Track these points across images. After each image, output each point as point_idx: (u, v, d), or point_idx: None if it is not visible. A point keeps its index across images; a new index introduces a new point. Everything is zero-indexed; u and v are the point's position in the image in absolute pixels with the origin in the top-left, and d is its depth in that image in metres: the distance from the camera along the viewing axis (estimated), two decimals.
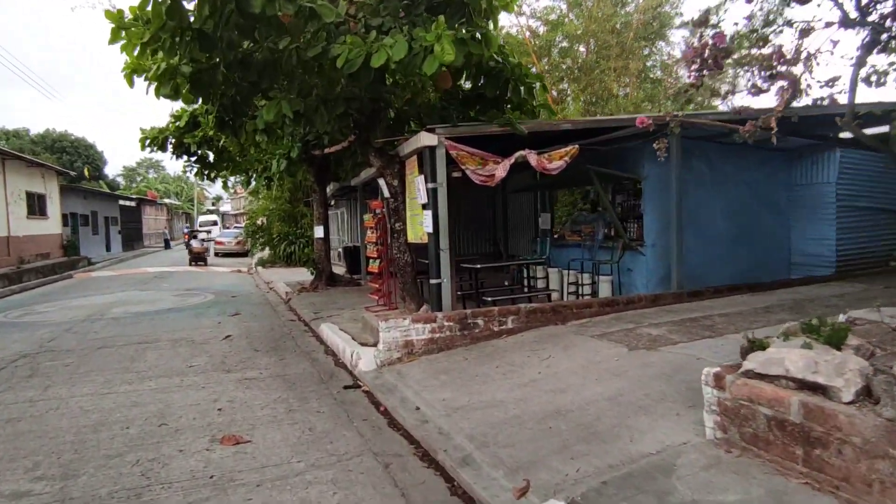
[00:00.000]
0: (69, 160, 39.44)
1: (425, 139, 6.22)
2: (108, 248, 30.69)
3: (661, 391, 4.20)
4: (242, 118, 6.89)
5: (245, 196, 28.66)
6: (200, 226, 47.53)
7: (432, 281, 6.48)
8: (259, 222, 23.46)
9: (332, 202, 17.34)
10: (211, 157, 12.15)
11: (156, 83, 5.98)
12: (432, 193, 6.33)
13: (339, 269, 15.61)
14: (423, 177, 6.31)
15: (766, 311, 6.54)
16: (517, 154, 6.59)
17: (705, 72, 4.81)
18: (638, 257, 8.41)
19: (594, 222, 9.75)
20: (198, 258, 23.79)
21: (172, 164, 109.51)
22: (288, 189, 21.98)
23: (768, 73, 4.81)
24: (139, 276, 19.04)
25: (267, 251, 23.01)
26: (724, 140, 8.49)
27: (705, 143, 8.48)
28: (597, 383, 4.56)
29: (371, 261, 9.76)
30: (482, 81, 7.01)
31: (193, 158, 11.95)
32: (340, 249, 19.35)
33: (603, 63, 19.84)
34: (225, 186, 13.19)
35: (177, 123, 10.66)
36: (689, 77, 4.93)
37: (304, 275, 16.35)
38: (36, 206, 21.27)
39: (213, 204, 73.33)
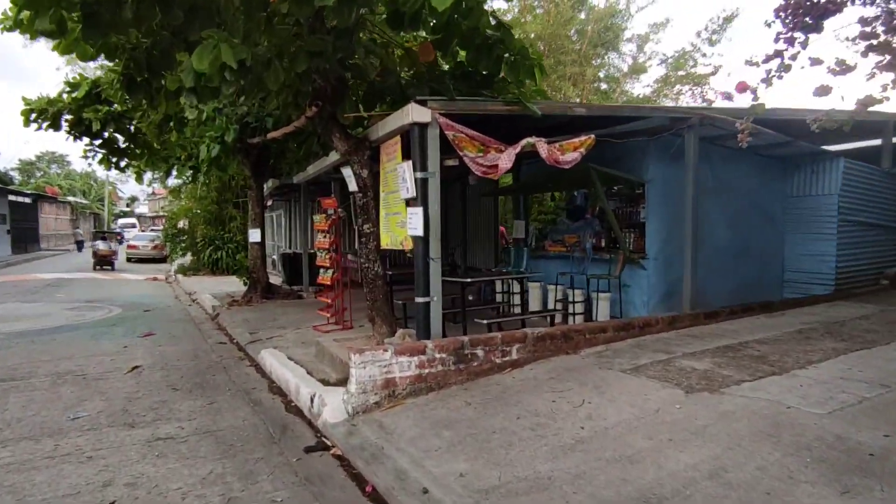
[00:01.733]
0: None
1: (416, 114, 4.77)
2: None
3: (780, 463, 2.99)
4: (160, 76, 5.10)
5: (165, 196, 25.50)
6: (121, 228, 42.71)
7: (418, 299, 5.00)
8: (180, 225, 20.73)
9: (269, 203, 15.29)
10: (121, 141, 9.93)
11: (28, 11, 4.12)
12: (421, 185, 4.89)
13: (275, 278, 13.62)
14: (409, 163, 4.84)
15: (804, 339, 5.63)
16: (524, 141, 5.30)
17: (798, 33, 3.79)
18: (637, 272, 7.38)
19: (579, 231, 8.67)
20: (104, 262, 21.00)
21: (82, 160, 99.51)
22: (215, 188, 19.54)
23: (867, 44, 3.85)
24: (28, 283, 15.90)
25: (189, 257, 20.32)
26: (727, 144, 7.71)
27: (709, 144, 7.64)
28: (675, 448, 3.29)
29: (322, 271, 8.11)
30: (472, 56, 5.68)
31: (98, 142, 9.67)
32: (276, 257, 17.24)
33: (561, 69, 19.30)
34: (139, 178, 10.92)
35: (73, 94, 8.45)
36: (779, 40, 3.89)
37: (233, 284, 14.18)
38: None
39: (128, 205, 66.84)
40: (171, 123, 9.38)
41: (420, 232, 4.82)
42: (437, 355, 4.76)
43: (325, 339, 6.21)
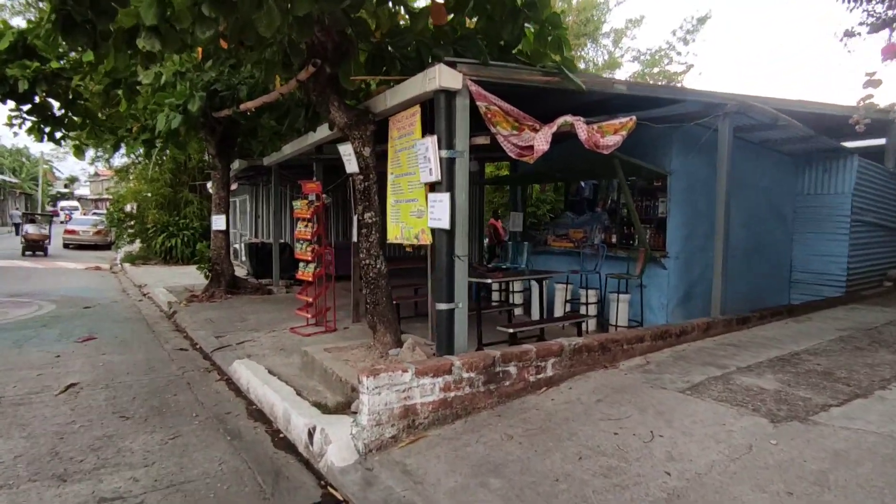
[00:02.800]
0: None
1: (445, 78, 3.85)
2: None
3: None
4: (110, 15, 3.94)
5: (111, 177, 23.27)
6: (69, 210, 39.27)
7: (440, 306, 4.11)
8: (128, 209, 18.83)
9: (234, 187, 13.88)
10: (56, 107, 8.45)
11: None
12: (447, 167, 3.99)
13: (239, 270, 12.34)
14: (434, 139, 3.93)
15: (855, 349, 5.12)
16: (560, 120, 4.48)
17: None
18: (656, 271, 6.76)
19: (586, 226, 7.99)
20: (35, 247, 18.84)
21: (10, 135, 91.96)
22: (169, 169, 17.86)
23: None
24: None
25: (138, 245, 18.51)
26: (746, 136, 7.18)
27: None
28: None
29: (303, 265, 7.09)
30: (492, 22, 4.81)
31: (26, 107, 8.17)
32: (239, 246, 15.84)
33: None
34: (78, 153, 9.36)
35: None
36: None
37: (191, 276, 12.80)
38: None
39: (66, 186, 61.97)
40: (121, 89, 8.06)
41: (446, 224, 3.92)
42: (465, 375, 3.90)
43: (314, 347, 5.23)
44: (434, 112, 4.03)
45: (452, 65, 3.91)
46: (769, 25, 55.65)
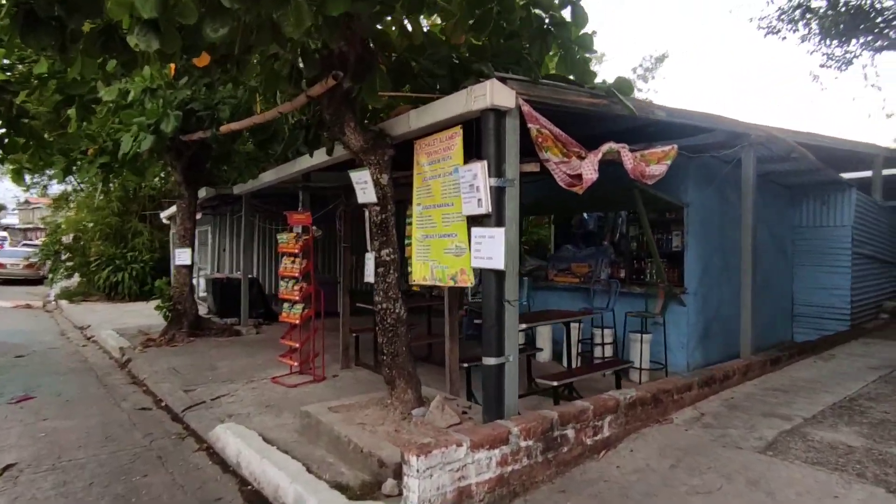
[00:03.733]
0: None
1: (498, 95, 3.31)
2: None
3: None
4: (81, 13, 3.18)
5: (48, 205, 21.29)
6: None
7: (488, 360, 3.45)
8: (65, 240, 17.07)
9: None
10: None
11: None
12: (496, 196, 3.41)
13: (200, 308, 11.15)
14: (484, 165, 3.35)
15: None
16: (606, 147, 4.03)
17: None
18: (675, 308, 6.38)
19: (590, 260, 7.57)
20: None
21: None
22: (117, 197, 16.38)
23: None
24: None
25: (76, 279, 16.74)
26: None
27: (735, 168, 6.92)
28: None
29: (288, 306, 6.27)
30: (513, 38, 4.38)
31: None
32: (197, 281, 14.52)
33: None
34: (17, 178, 8.15)
35: None
36: None
37: (141, 315, 11.49)
38: None
39: None
40: (74, 107, 7.09)
41: (499, 263, 3.31)
42: (523, 443, 3.25)
43: (316, 408, 4.40)
44: (480, 134, 3.46)
45: (503, 81, 3.38)
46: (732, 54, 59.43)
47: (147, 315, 11.62)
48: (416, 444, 2.92)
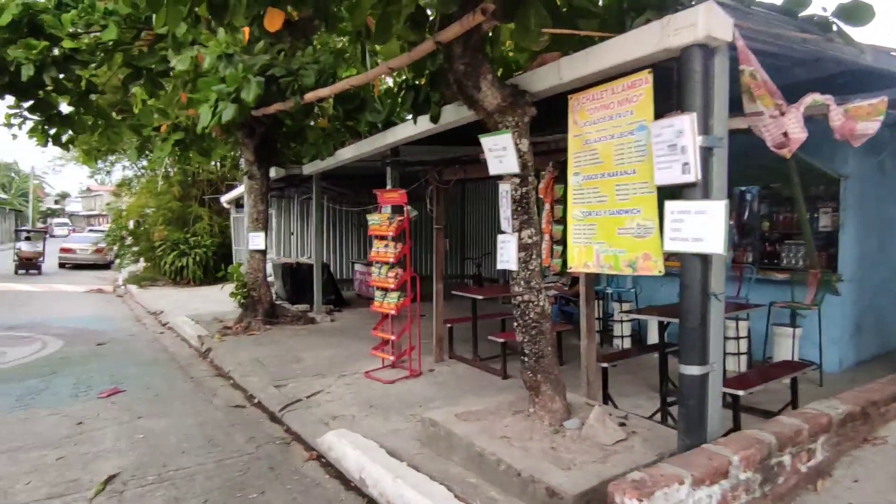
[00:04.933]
0: None
1: (712, 24, 2.53)
2: None
3: None
4: None
5: (111, 192, 21.71)
6: (56, 227, 37.92)
7: (689, 370, 2.72)
8: (131, 225, 17.24)
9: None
10: (65, 103, 7.05)
11: None
12: (704, 157, 2.63)
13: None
14: (692, 119, 2.57)
15: None
16: (809, 99, 3.14)
17: None
18: (827, 298, 5.43)
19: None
20: (29, 266, 17.84)
21: (11, 137, 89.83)
22: (178, 181, 16.38)
23: None
24: None
25: (142, 264, 16.95)
26: None
27: None
28: None
29: (380, 294, 5.70)
30: None
31: (28, 104, 6.74)
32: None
33: None
34: (88, 159, 7.88)
35: None
36: None
37: (210, 300, 11.32)
38: None
39: (57, 202, 59.96)
40: (142, 81, 6.69)
41: (713, 246, 2.54)
42: (742, 475, 2.52)
43: (441, 414, 3.80)
44: (681, 80, 2.68)
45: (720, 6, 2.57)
46: None
47: (216, 300, 11.44)
48: (629, 481, 2.24)
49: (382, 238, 5.69)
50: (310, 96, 5.20)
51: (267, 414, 4.78)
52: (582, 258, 3.29)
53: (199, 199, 16.66)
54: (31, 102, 6.67)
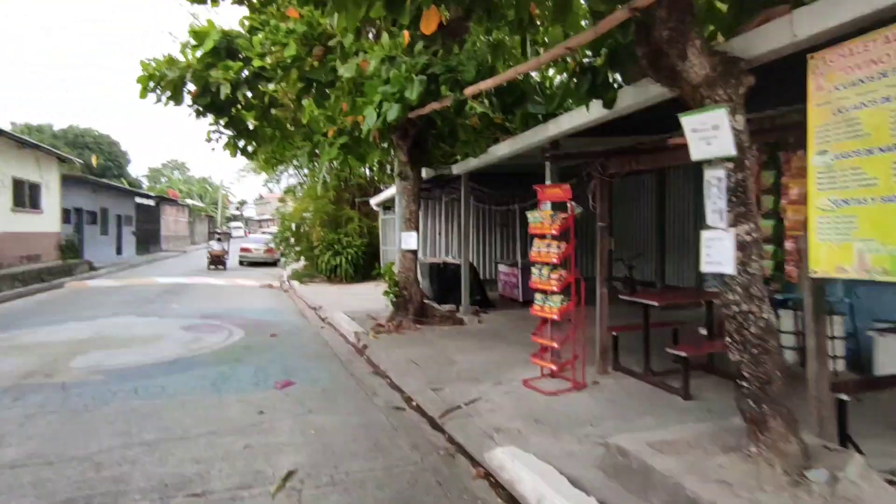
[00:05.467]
0: (88, 157, 35.90)
1: None
2: (118, 252, 26.76)
3: None
4: None
5: (279, 199, 24.46)
6: (233, 230, 44.72)
7: None
8: (293, 227, 19.11)
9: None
10: (251, 118, 7.79)
11: None
12: None
13: None
14: None
15: None
16: None
17: None
18: None
19: None
20: (217, 262, 21.39)
21: (198, 166, 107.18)
22: (333, 186, 17.73)
23: None
24: (146, 288, 14.83)
25: (302, 262, 18.69)
26: None
27: None
28: None
29: (541, 297, 5.27)
30: None
31: (223, 120, 7.57)
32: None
33: None
34: (267, 167, 8.71)
35: (197, 48, 6.29)
36: None
37: (361, 298, 11.94)
38: (26, 196, 17.24)
39: (238, 208, 69.91)
40: (311, 94, 7.10)
41: None
42: None
43: (630, 441, 3.26)
44: None
45: None
46: None
47: (367, 298, 12.05)
48: None
49: (543, 237, 5.27)
50: (470, 90, 4.98)
51: (426, 419, 4.66)
52: (833, 260, 2.52)
53: (350, 203, 17.88)
54: (225, 120, 7.49)
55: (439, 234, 12.14)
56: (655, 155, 4.83)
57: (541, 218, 5.22)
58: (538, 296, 5.39)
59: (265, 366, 6.27)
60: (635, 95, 3.95)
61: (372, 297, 12.36)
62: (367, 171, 18.46)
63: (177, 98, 6.93)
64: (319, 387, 5.48)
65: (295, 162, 17.14)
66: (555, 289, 5.09)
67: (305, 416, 4.58)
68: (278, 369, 6.13)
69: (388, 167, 17.43)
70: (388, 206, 15.79)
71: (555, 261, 5.07)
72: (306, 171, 20.52)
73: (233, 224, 56.16)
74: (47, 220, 18.77)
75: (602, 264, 5.59)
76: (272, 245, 22.54)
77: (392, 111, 5.20)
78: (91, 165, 27.73)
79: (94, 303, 11.78)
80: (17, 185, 16.65)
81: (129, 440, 3.97)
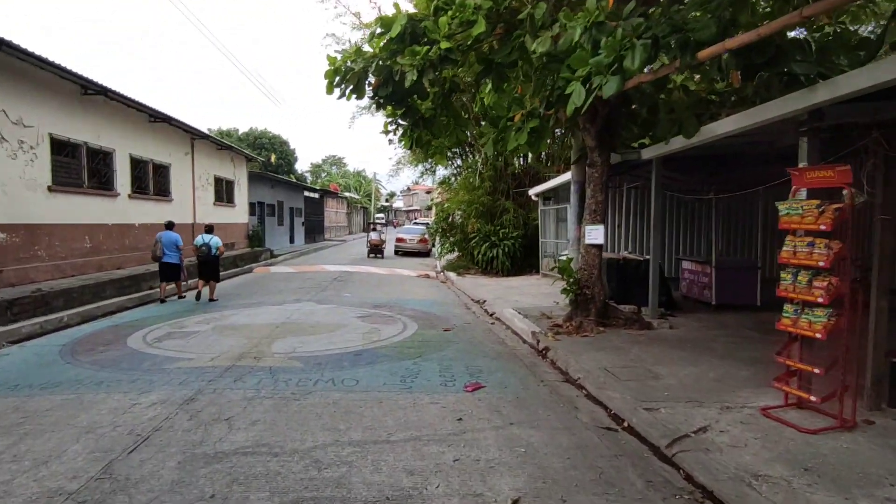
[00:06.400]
0: (266, 155, 40.92)
1: None
2: (291, 240, 29.90)
3: None
4: None
5: (427, 191, 25.14)
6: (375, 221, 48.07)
7: None
8: (450, 218, 19.27)
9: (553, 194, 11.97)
10: (425, 107, 7.63)
11: None
12: None
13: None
14: None
15: None
16: None
17: None
18: None
19: None
20: (375, 250, 22.97)
21: (353, 160, 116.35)
22: (489, 177, 17.46)
23: None
24: (318, 275, 16.07)
25: (455, 253, 18.80)
26: None
27: None
28: None
29: (795, 309, 4.15)
30: None
31: (400, 111, 7.50)
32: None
33: None
34: (442, 160, 8.57)
35: (385, 35, 6.18)
36: None
37: (524, 293, 11.43)
38: (224, 192, 19.88)
39: (387, 200, 74.52)
40: (490, 77, 6.66)
41: None
42: None
43: None
44: None
45: None
46: None
47: (528, 293, 11.51)
48: None
49: (798, 233, 4.14)
50: (707, 52, 4.04)
51: (648, 446, 3.92)
52: None
53: (505, 193, 17.45)
54: (403, 109, 7.40)
55: (618, 226, 11.07)
56: None
57: (800, 209, 4.09)
58: (788, 307, 4.28)
59: (448, 364, 6.02)
60: None
61: (533, 291, 11.80)
62: (521, 161, 17.85)
63: (360, 91, 6.97)
64: (511, 393, 5.03)
65: (456, 150, 17.16)
66: (820, 300, 3.96)
67: (507, 428, 4.14)
68: (462, 368, 5.84)
69: (543, 155, 16.62)
70: (548, 196, 15.01)
71: (822, 264, 3.93)
72: (459, 161, 20.57)
73: (378, 216, 60.00)
74: (239, 213, 21.46)
75: (882, 268, 4.26)
76: (426, 235, 23.20)
77: (610, 84, 4.43)
78: (269, 163, 31.24)
79: (278, 288, 12.96)
80: (217, 182, 19.23)
81: (339, 437, 3.88)
